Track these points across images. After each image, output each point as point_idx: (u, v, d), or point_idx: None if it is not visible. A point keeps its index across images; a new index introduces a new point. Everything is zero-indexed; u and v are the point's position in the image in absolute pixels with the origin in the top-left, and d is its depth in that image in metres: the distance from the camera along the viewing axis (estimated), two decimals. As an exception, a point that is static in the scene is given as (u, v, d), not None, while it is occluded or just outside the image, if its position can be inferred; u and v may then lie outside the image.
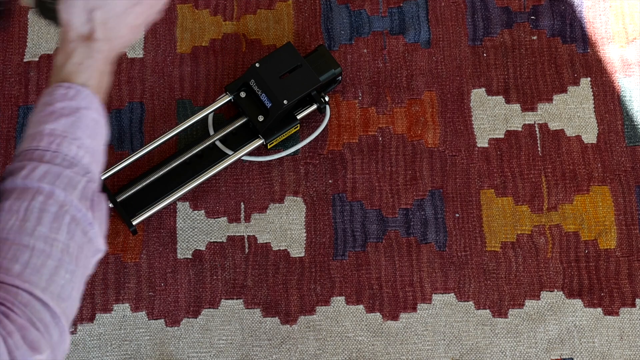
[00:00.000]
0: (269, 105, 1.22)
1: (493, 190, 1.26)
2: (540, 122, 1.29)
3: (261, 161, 1.26)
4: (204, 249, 1.22)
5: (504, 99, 1.30)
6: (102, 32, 0.83)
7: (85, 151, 0.77)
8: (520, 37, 1.34)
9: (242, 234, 1.23)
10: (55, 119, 0.77)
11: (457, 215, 1.24)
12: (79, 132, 0.77)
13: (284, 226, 1.24)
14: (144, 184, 1.22)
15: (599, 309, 1.20)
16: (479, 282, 1.21)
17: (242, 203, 1.25)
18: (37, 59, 1.32)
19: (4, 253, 0.69)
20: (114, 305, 1.20)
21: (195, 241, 1.23)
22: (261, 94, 1.23)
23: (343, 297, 1.21)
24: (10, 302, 0.67)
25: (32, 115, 0.79)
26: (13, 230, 0.70)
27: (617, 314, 1.20)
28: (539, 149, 1.28)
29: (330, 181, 1.26)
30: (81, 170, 0.76)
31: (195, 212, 1.24)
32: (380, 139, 1.28)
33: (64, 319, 0.70)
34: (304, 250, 1.22)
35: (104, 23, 0.83)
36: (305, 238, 1.23)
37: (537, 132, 1.29)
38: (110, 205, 1.18)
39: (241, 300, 1.20)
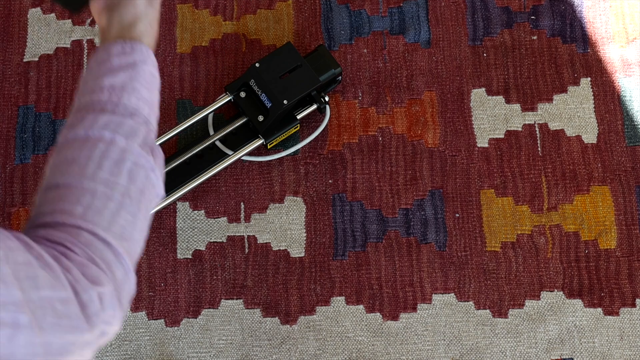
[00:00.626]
0: (269, 105, 1.22)
1: (493, 190, 1.26)
2: (540, 122, 1.29)
3: (261, 161, 1.26)
4: (203, 249, 1.22)
5: (504, 99, 1.30)
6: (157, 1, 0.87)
7: (145, 102, 0.79)
8: (520, 37, 1.33)
9: (242, 234, 1.23)
10: (114, 73, 0.78)
11: (457, 215, 1.24)
12: (137, 85, 0.79)
13: (284, 226, 1.24)
14: (144, 184, 1.22)
15: (599, 309, 1.20)
16: (479, 282, 1.21)
17: (242, 203, 1.25)
18: (36, 59, 1.32)
19: (66, 197, 0.70)
20: (113, 305, 1.19)
21: (195, 241, 1.23)
22: (261, 94, 1.23)
23: (343, 297, 1.20)
24: (70, 242, 0.68)
25: (88, 73, 0.80)
26: (74, 176, 0.71)
27: (617, 314, 1.20)
28: (539, 149, 1.28)
29: (330, 181, 1.26)
30: (141, 120, 0.77)
31: (195, 212, 1.24)
32: (380, 139, 1.28)
33: (128, 258, 0.71)
34: (304, 250, 1.22)
35: None
36: (305, 238, 1.23)
37: (537, 132, 1.29)
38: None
39: (241, 300, 1.20)
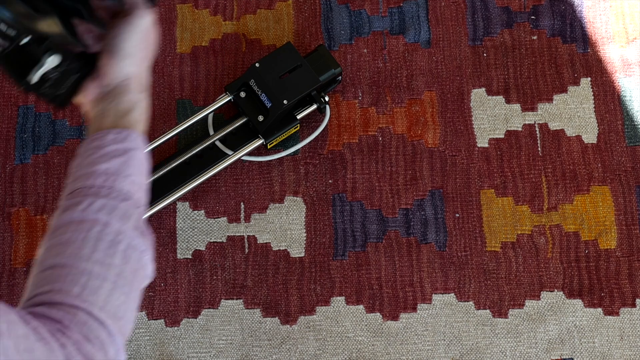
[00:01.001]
0: (269, 105, 1.22)
1: (493, 190, 1.26)
2: (540, 122, 1.29)
3: (261, 161, 1.26)
4: (203, 249, 1.22)
5: (504, 99, 1.30)
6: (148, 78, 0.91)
7: (136, 187, 0.83)
8: (520, 37, 1.33)
9: (242, 234, 1.23)
10: (108, 160, 0.82)
11: (457, 215, 1.24)
12: (129, 170, 0.83)
13: (284, 226, 1.24)
14: (144, 184, 1.22)
15: (599, 309, 1.20)
16: (479, 282, 1.21)
17: (242, 203, 1.25)
18: (36, 59, 1.32)
19: (63, 277, 0.73)
20: (113, 305, 1.19)
21: (195, 241, 1.23)
22: (261, 94, 1.23)
23: (343, 297, 1.20)
24: (67, 319, 0.70)
25: (82, 158, 0.84)
26: (71, 257, 0.74)
27: (617, 314, 1.20)
28: (539, 149, 1.28)
29: (330, 181, 1.26)
30: (133, 203, 0.81)
31: (195, 212, 1.24)
32: (380, 139, 1.28)
33: (120, 337, 0.74)
34: (304, 250, 1.22)
35: (148, 68, 0.91)
36: (305, 238, 1.23)
37: (537, 132, 1.29)
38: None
39: (241, 300, 1.20)
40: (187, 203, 1.24)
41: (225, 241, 1.23)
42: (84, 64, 0.87)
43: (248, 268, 1.21)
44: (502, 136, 1.28)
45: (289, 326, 1.19)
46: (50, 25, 0.80)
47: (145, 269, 0.80)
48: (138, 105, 0.88)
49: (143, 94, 0.90)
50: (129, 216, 0.79)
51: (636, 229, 1.24)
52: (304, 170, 1.26)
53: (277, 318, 1.19)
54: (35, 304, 0.72)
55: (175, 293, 1.20)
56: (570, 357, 1.18)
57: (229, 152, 1.25)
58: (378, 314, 1.20)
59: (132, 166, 0.84)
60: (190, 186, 1.21)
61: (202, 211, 1.24)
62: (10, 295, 1.19)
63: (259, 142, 1.24)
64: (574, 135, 1.28)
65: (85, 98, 0.89)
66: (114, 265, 0.75)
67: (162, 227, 1.23)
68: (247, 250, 1.22)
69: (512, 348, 1.19)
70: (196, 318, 1.19)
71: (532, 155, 1.27)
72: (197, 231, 1.23)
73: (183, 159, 1.23)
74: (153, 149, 1.23)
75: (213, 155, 1.25)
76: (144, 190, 0.85)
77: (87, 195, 0.79)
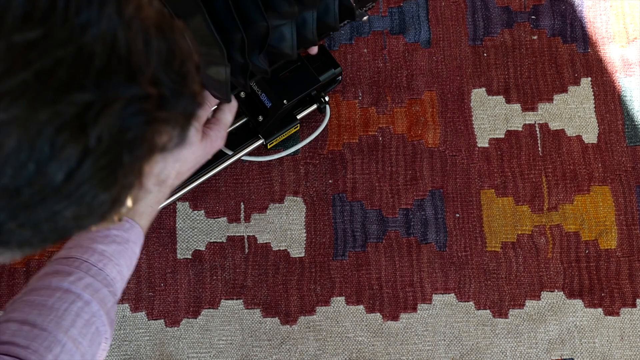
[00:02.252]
0: (268, 105, 1.22)
1: (493, 190, 1.25)
2: (540, 122, 1.29)
3: (261, 161, 1.26)
4: (203, 249, 1.22)
5: (504, 99, 1.30)
6: (175, 181, 0.96)
7: (121, 278, 0.87)
8: (520, 36, 1.33)
9: (242, 234, 1.23)
10: (108, 242, 0.87)
11: (458, 215, 1.24)
12: (122, 260, 0.87)
13: (284, 226, 1.23)
14: (144, 184, 1.22)
15: (600, 309, 1.20)
16: (480, 283, 1.21)
17: (242, 203, 1.25)
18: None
19: (41, 340, 0.77)
20: (113, 305, 1.19)
21: (195, 241, 1.23)
22: (261, 94, 1.22)
23: (343, 298, 1.20)
24: None
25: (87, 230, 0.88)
26: (52, 324, 0.78)
27: (617, 314, 1.20)
28: (540, 148, 1.28)
29: (330, 181, 1.26)
30: (113, 292, 0.85)
31: (195, 212, 1.24)
32: (380, 139, 1.28)
33: None
34: (304, 251, 1.22)
35: (179, 174, 0.96)
36: (305, 238, 1.23)
37: (538, 132, 1.29)
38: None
39: (241, 300, 1.20)
40: (187, 203, 1.24)
41: (225, 241, 1.23)
42: None
43: (248, 268, 1.21)
44: (503, 136, 1.28)
45: (289, 326, 1.19)
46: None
47: (101, 355, 0.84)
48: (147, 197, 0.92)
49: (158, 188, 0.93)
50: (105, 302, 0.83)
51: (636, 229, 1.24)
52: (304, 170, 1.26)
53: (277, 318, 1.19)
54: (4, 352, 0.75)
55: (175, 293, 1.20)
56: (570, 357, 1.18)
57: (229, 152, 1.24)
58: (378, 314, 1.20)
59: (125, 257, 0.88)
60: (190, 186, 1.21)
61: (202, 211, 1.24)
62: (10, 295, 1.19)
63: (259, 142, 1.24)
64: (574, 135, 1.28)
65: None
66: (82, 346, 0.79)
67: (162, 227, 1.23)
68: (247, 251, 1.22)
69: (513, 348, 1.18)
70: (196, 318, 1.19)
71: (532, 155, 1.27)
72: (197, 231, 1.23)
73: (183, 159, 1.23)
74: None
75: (213, 155, 1.25)
76: (125, 283, 0.89)
77: (79, 268, 0.83)
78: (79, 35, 0.42)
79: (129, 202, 0.51)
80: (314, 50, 1.12)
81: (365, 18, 1.08)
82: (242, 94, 1.25)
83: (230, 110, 1.01)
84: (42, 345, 0.76)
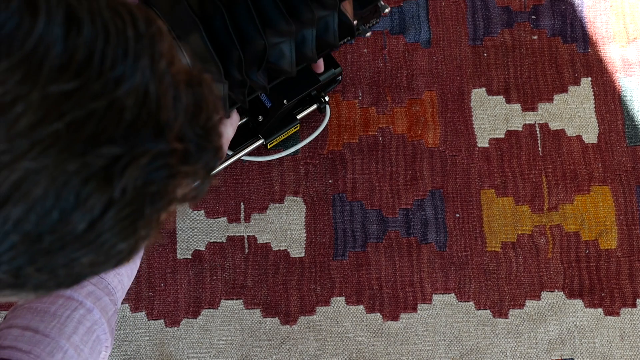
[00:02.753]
0: (268, 105, 1.21)
1: (493, 190, 1.25)
2: (540, 122, 1.29)
3: (261, 161, 1.26)
4: (203, 249, 1.22)
5: (504, 99, 1.30)
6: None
7: (122, 287, 0.88)
8: (520, 36, 1.33)
9: (242, 234, 1.23)
10: None
11: (458, 215, 1.24)
12: (122, 270, 0.88)
13: (284, 226, 1.23)
14: (144, 184, 1.22)
15: (600, 309, 1.20)
16: (480, 283, 1.21)
17: (242, 203, 1.25)
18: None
19: (43, 346, 0.77)
20: (113, 305, 1.19)
21: (194, 241, 1.23)
22: (261, 94, 1.22)
23: (343, 298, 1.20)
24: None
25: None
26: (54, 330, 0.79)
27: (617, 314, 1.20)
28: (540, 148, 1.28)
29: (330, 181, 1.26)
30: (114, 301, 0.86)
31: (195, 212, 1.24)
32: (380, 139, 1.28)
33: None
34: (304, 251, 1.22)
35: None
36: (305, 238, 1.23)
37: (538, 132, 1.28)
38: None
39: (241, 300, 1.20)
40: (187, 203, 1.24)
41: (225, 241, 1.23)
42: None
43: (248, 268, 1.21)
44: (503, 136, 1.28)
45: (289, 326, 1.19)
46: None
47: None
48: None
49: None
50: (107, 311, 0.83)
51: (637, 229, 1.24)
52: (304, 170, 1.26)
53: (277, 318, 1.19)
54: (6, 357, 0.75)
55: (175, 293, 1.20)
56: (570, 357, 1.18)
57: (229, 152, 1.24)
58: (378, 314, 1.20)
59: (126, 267, 0.89)
60: (190, 186, 1.21)
61: (202, 211, 1.24)
62: (10, 296, 1.19)
63: (259, 142, 1.24)
64: (574, 135, 1.28)
65: None
66: (84, 353, 0.80)
67: (162, 227, 1.23)
68: (247, 251, 1.22)
69: (513, 348, 1.18)
70: (196, 318, 1.19)
71: (532, 155, 1.27)
72: (197, 231, 1.23)
73: (183, 159, 1.23)
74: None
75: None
76: (124, 293, 0.90)
77: None
78: (113, 88, 0.42)
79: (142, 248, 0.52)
80: (320, 68, 1.13)
81: (368, 34, 1.09)
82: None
83: (231, 124, 1.03)
84: (44, 351, 0.77)
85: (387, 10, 1.09)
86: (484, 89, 1.31)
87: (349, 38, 1.06)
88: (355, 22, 1.05)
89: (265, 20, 0.90)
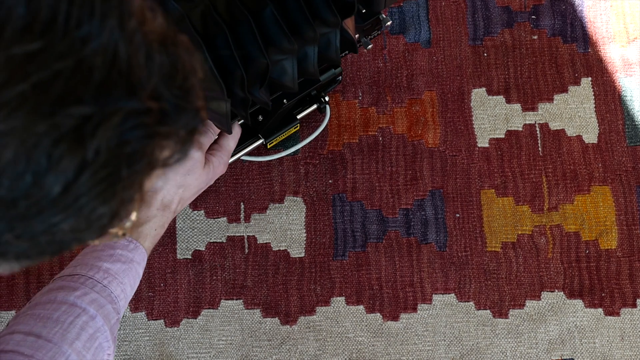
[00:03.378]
0: (268, 105, 1.21)
1: (493, 190, 1.25)
2: (540, 122, 1.29)
3: (261, 161, 1.26)
4: (203, 249, 1.22)
5: (504, 99, 1.30)
6: (178, 207, 0.99)
7: (124, 296, 0.89)
8: (520, 36, 1.33)
9: (241, 234, 1.23)
10: (113, 261, 0.90)
11: (458, 215, 1.24)
12: (126, 279, 0.90)
13: (284, 226, 1.23)
14: (144, 184, 1.22)
15: (600, 310, 1.20)
16: (480, 283, 1.21)
17: (241, 203, 1.24)
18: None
19: (45, 351, 0.78)
20: (113, 305, 1.19)
21: (194, 241, 1.22)
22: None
23: (343, 298, 1.20)
24: None
25: (92, 249, 0.92)
26: (57, 336, 0.80)
27: (618, 314, 1.20)
28: (540, 148, 1.27)
29: (330, 181, 1.25)
30: (117, 309, 0.87)
31: (195, 212, 1.24)
32: (380, 139, 1.28)
33: None
34: (304, 251, 1.22)
35: (182, 199, 1.00)
36: (305, 238, 1.23)
37: (538, 132, 1.28)
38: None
39: (241, 300, 1.20)
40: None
41: (225, 241, 1.23)
42: None
43: (248, 268, 1.21)
44: (503, 136, 1.28)
45: (288, 326, 1.19)
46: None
47: None
48: (152, 221, 0.95)
49: (162, 212, 0.97)
50: (110, 319, 0.85)
51: (637, 229, 1.24)
52: (304, 170, 1.26)
53: (277, 318, 1.19)
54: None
55: (175, 293, 1.20)
56: (571, 357, 1.18)
57: (229, 152, 1.24)
58: (378, 314, 1.20)
59: (129, 277, 0.91)
60: (190, 186, 1.21)
61: (202, 211, 1.24)
62: (10, 295, 1.19)
63: (258, 141, 1.24)
64: (574, 135, 1.28)
65: None
66: (86, 359, 0.80)
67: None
68: (247, 251, 1.22)
69: (513, 348, 1.18)
70: (196, 318, 1.19)
71: (532, 155, 1.27)
72: (197, 231, 1.23)
73: (183, 159, 1.23)
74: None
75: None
76: (127, 302, 0.91)
77: (84, 284, 0.86)
78: (79, 48, 0.41)
79: (133, 216, 0.51)
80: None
81: (370, 47, 1.10)
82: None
83: (233, 137, 1.06)
84: (47, 356, 0.77)
85: (388, 23, 1.10)
86: (484, 89, 1.30)
87: (349, 51, 1.07)
88: (356, 36, 1.06)
89: (267, 39, 0.90)
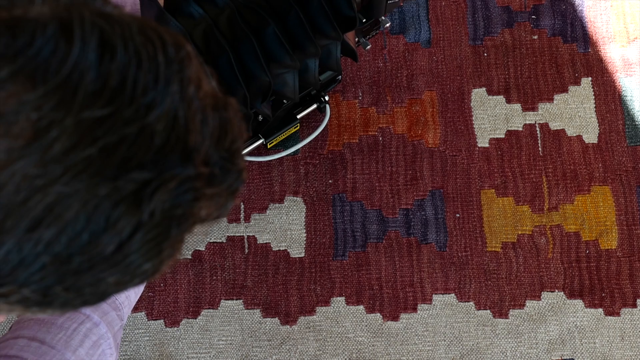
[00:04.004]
0: (268, 105, 1.21)
1: (494, 190, 1.25)
2: (541, 122, 1.29)
3: (261, 161, 1.26)
4: (203, 249, 1.22)
5: (504, 99, 1.30)
6: None
7: (128, 303, 0.89)
8: (521, 36, 1.33)
9: (241, 234, 1.23)
10: None
11: (458, 215, 1.24)
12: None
13: (283, 226, 1.23)
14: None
15: (600, 310, 1.20)
16: (480, 283, 1.21)
17: (241, 203, 1.24)
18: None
19: (49, 357, 0.78)
20: (113, 305, 1.19)
21: (194, 241, 1.22)
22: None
23: (343, 298, 1.20)
24: None
25: None
26: (61, 342, 0.80)
27: (618, 314, 1.20)
28: (540, 148, 1.27)
29: (330, 181, 1.25)
30: (120, 316, 0.87)
31: (195, 212, 1.24)
32: (380, 138, 1.28)
33: None
34: (303, 251, 1.22)
35: None
36: (305, 238, 1.23)
37: (538, 132, 1.28)
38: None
39: (241, 300, 1.20)
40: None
41: (225, 241, 1.22)
42: None
43: (248, 268, 1.21)
44: (503, 136, 1.28)
45: (288, 326, 1.19)
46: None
47: None
48: None
49: None
50: (113, 325, 0.85)
51: (637, 229, 1.24)
52: (304, 170, 1.26)
53: (277, 318, 1.19)
54: None
55: (175, 293, 1.20)
56: (571, 357, 1.18)
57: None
58: (378, 314, 1.19)
59: None
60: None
61: (202, 211, 1.24)
62: (10, 296, 1.19)
63: (259, 141, 1.23)
64: (574, 135, 1.28)
65: None
66: None
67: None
68: (247, 251, 1.22)
69: (513, 348, 1.18)
70: (196, 318, 1.19)
71: (532, 155, 1.27)
72: (197, 231, 1.23)
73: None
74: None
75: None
76: (130, 309, 0.91)
77: None
78: (144, 114, 0.43)
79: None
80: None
81: (368, 47, 1.10)
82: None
83: None
84: None
85: (387, 25, 1.11)
86: (484, 88, 1.30)
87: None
88: (356, 39, 1.07)
89: (269, 55, 0.91)
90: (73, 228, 0.42)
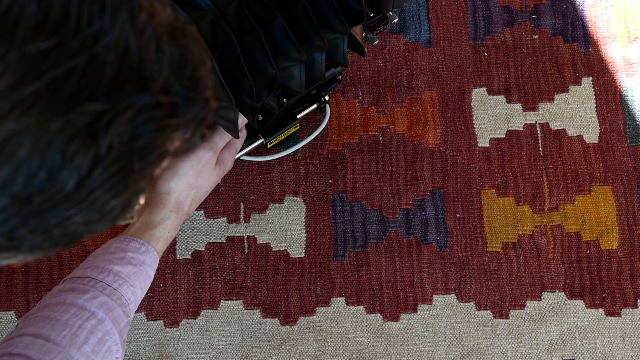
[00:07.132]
0: (268, 104, 1.21)
1: (494, 190, 1.25)
2: (541, 122, 1.28)
3: (261, 161, 1.26)
4: (203, 249, 1.22)
5: (505, 99, 1.30)
6: (190, 208, 1.02)
7: (135, 299, 0.90)
8: (521, 36, 1.33)
9: (241, 235, 1.23)
10: (124, 264, 0.90)
11: (458, 215, 1.24)
12: (137, 282, 0.91)
13: (283, 226, 1.23)
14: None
15: (601, 310, 1.20)
16: (480, 283, 1.21)
17: (241, 203, 1.24)
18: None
19: (54, 355, 0.78)
20: (112, 306, 1.19)
21: (194, 242, 1.22)
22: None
23: (343, 298, 1.20)
24: None
25: (101, 251, 0.92)
26: (66, 339, 0.80)
27: (619, 314, 1.20)
28: (540, 148, 1.27)
29: (330, 181, 1.25)
30: (127, 312, 0.87)
31: (195, 212, 1.23)
32: (380, 138, 1.27)
33: None
34: (303, 251, 1.22)
35: (194, 200, 1.01)
36: (305, 238, 1.22)
37: (539, 132, 1.28)
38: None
39: (241, 301, 1.20)
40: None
41: (224, 241, 1.22)
42: None
43: (248, 268, 1.21)
44: (503, 136, 1.28)
45: (288, 327, 1.19)
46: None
47: None
48: (165, 223, 0.96)
49: (176, 214, 0.98)
50: (119, 322, 0.85)
51: (638, 229, 1.23)
52: (304, 170, 1.26)
53: (276, 319, 1.19)
54: None
55: (175, 294, 1.20)
56: (571, 358, 1.18)
57: (229, 152, 1.24)
58: (378, 314, 1.19)
59: (140, 279, 0.91)
60: (189, 186, 1.21)
61: (202, 211, 1.24)
62: (9, 296, 1.18)
63: (258, 141, 1.23)
64: (575, 135, 1.28)
65: None
66: None
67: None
68: (246, 251, 1.22)
69: (514, 349, 1.18)
70: (195, 319, 1.19)
71: (533, 155, 1.27)
72: (197, 231, 1.23)
73: (182, 158, 1.23)
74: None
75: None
76: (137, 305, 0.92)
77: (94, 287, 0.86)
78: (91, 44, 0.42)
79: (142, 200, 0.51)
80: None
81: (376, 42, 1.10)
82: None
83: (239, 140, 1.07)
84: (54, 359, 0.77)
85: (395, 20, 1.11)
86: (484, 88, 1.30)
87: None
88: (363, 34, 1.07)
89: (276, 48, 0.91)
90: (28, 166, 0.41)
